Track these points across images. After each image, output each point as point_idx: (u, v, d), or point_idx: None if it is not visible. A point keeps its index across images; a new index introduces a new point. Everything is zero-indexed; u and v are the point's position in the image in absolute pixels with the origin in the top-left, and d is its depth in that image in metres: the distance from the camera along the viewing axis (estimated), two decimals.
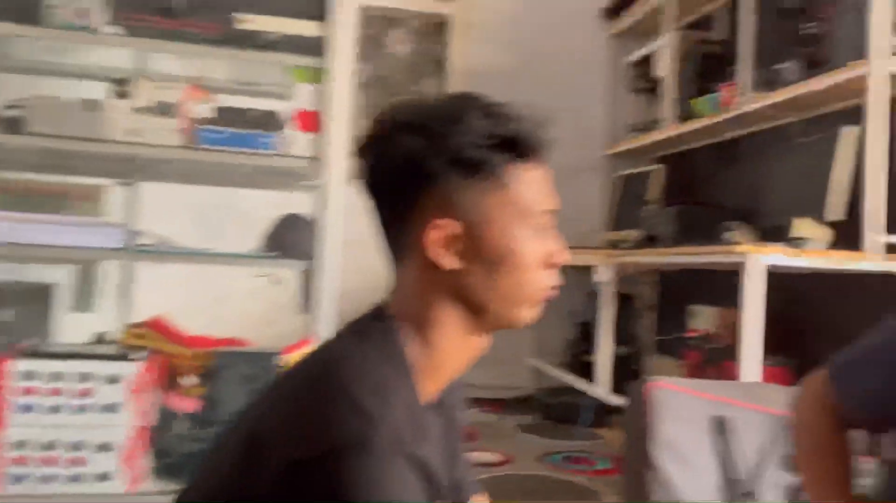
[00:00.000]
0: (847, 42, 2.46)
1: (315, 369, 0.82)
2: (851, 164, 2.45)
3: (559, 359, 4.05)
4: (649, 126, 3.85)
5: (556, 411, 3.66)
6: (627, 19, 4.03)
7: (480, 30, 4.11)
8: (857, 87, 2.42)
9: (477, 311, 0.85)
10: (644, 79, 4.01)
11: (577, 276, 3.98)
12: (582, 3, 4.23)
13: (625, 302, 3.85)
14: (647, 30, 4.04)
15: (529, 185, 0.84)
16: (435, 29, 4.18)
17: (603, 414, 3.53)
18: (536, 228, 0.84)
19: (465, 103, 0.84)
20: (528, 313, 0.86)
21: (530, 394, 4.11)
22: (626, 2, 4.06)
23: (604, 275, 3.19)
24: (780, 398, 1.66)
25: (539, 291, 0.85)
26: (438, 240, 0.82)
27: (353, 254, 3.64)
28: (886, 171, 2.30)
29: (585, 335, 3.76)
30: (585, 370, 3.58)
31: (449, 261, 0.82)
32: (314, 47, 2.06)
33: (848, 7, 2.46)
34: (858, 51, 2.38)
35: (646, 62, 3.96)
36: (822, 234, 2.38)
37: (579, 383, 3.55)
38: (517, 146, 0.83)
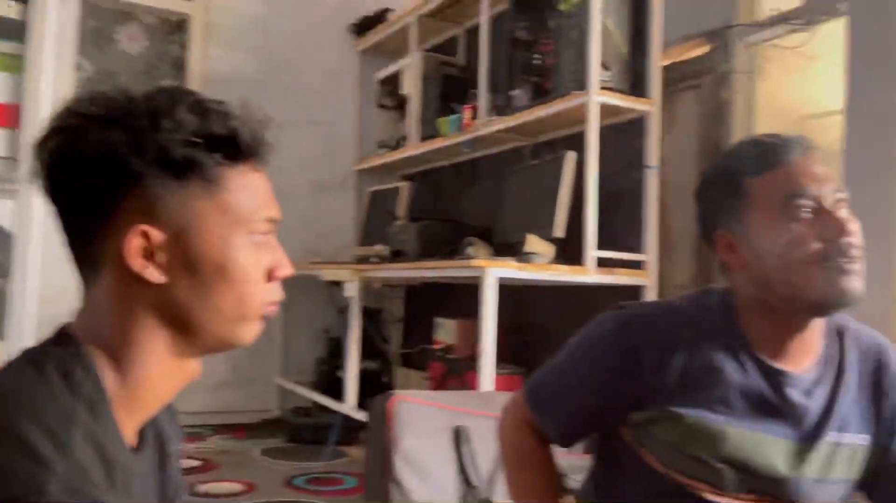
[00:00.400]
0: (569, 74, 2.70)
1: None
2: (571, 186, 2.69)
3: (310, 378, 3.95)
4: (398, 143, 3.93)
5: (304, 432, 3.55)
6: (375, 36, 4.09)
7: (222, 33, 3.91)
8: (579, 116, 2.67)
9: (187, 331, 0.74)
10: (392, 96, 4.10)
11: (328, 292, 3.93)
12: (331, 15, 4.21)
13: (374, 316, 3.87)
14: (394, 48, 4.14)
15: (246, 190, 0.75)
16: (173, 28, 3.89)
17: (352, 431, 3.50)
18: (255, 238, 0.76)
19: (174, 97, 0.73)
20: (247, 332, 0.77)
21: (278, 416, 3.97)
22: (373, 20, 4.12)
23: (352, 290, 3.17)
24: None
25: (259, 307, 0.76)
26: (140, 249, 0.71)
27: (60, 271, 3.26)
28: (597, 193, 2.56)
29: (337, 351, 3.71)
30: (337, 387, 3.53)
31: (153, 274, 0.71)
32: (13, 31, 1.77)
33: (569, 42, 2.70)
34: (579, 83, 2.62)
35: (394, 80, 4.05)
36: (548, 249, 2.57)
37: (328, 401, 3.48)
38: (233, 147, 0.74)
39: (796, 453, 0.97)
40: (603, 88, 2.57)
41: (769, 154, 0.96)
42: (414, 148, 3.63)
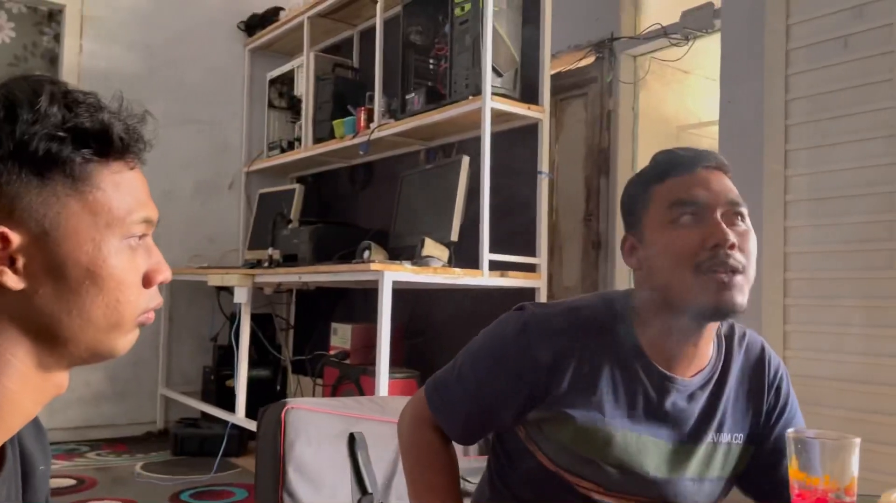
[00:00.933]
0: (463, 79, 2.72)
1: None
2: (466, 190, 2.71)
3: (197, 388, 3.80)
4: (290, 144, 3.85)
5: (191, 444, 3.40)
6: (266, 35, 3.99)
7: (99, 26, 3.69)
8: (473, 120, 2.69)
9: (54, 342, 0.68)
10: (283, 97, 4.01)
11: (215, 298, 3.78)
12: (219, 12, 4.07)
13: (264, 323, 3.76)
14: (286, 48, 4.05)
15: (120, 189, 0.69)
16: (44, 18, 3.64)
17: (242, 442, 3.39)
18: (129, 240, 0.70)
19: (36, 86, 0.67)
20: (121, 342, 0.71)
21: (163, 429, 3.78)
22: (263, 18, 4.02)
23: (242, 295, 3.07)
24: None
25: (134, 315, 0.71)
26: None
27: None
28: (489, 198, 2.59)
29: (225, 360, 3.58)
30: (226, 397, 3.40)
31: (11, 280, 0.65)
32: None
33: (463, 48, 2.73)
34: (473, 88, 2.65)
35: (285, 80, 3.96)
36: (443, 253, 2.58)
37: (217, 411, 3.35)
38: (104, 142, 0.68)
39: (677, 455, 1.01)
40: (496, 94, 2.60)
41: (674, 163, 0.99)
42: (307, 150, 3.56)
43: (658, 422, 1.00)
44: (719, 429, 1.03)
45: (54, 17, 3.66)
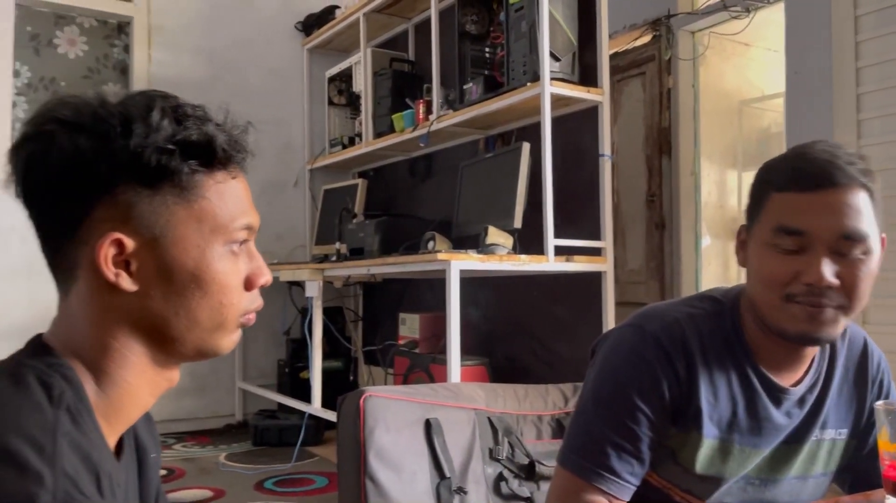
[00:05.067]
0: (521, 66, 2.72)
1: None
2: (528, 177, 2.72)
3: (272, 380, 3.92)
4: (351, 140, 3.92)
5: (269, 435, 3.52)
6: (323, 34, 4.06)
7: (165, 35, 3.82)
8: (532, 107, 2.69)
9: (163, 341, 0.73)
10: (342, 94, 4.08)
11: (287, 293, 3.90)
12: (276, 14, 4.16)
13: (334, 315, 3.86)
14: (342, 45, 4.12)
15: (223, 196, 0.74)
16: (114, 31, 3.80)
17: (319, 431, 3.49)
18: (232, 246, 0.75)
19: (148, 101, 0.72)
20: (225, 341, 0.76)
21: (242, 421, 3.93)
22: (319, 18, 4.09)
23: (313, 289, 3.15)
24: (479, 394, 1.77)
25: (237, 316, 0.76)
26: (113, 257, 0.70)
27: (21, 284, 3.16)
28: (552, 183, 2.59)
29: (298, 352, 3.69)
30: (301, 388, 3.51)
31: (126, 282, 0.70)
32: None
33: (519, 34, 2.73)
34: (531, 74, 2.65)
35: (343, 77, 4.03)
36: (508, 240, 2.60)
37: (293, 402, 3.46)
38: (209, 153, 0.73)
39: (782, 455, 1.00)
40: (554, 79, 2.60)
41: (798, 175, 0.91)
42: (368, 144, 3.62)
43: (770, 431, 0.99)
44: (823, 427, 1.01)
45: (123, 28, 3.81)
